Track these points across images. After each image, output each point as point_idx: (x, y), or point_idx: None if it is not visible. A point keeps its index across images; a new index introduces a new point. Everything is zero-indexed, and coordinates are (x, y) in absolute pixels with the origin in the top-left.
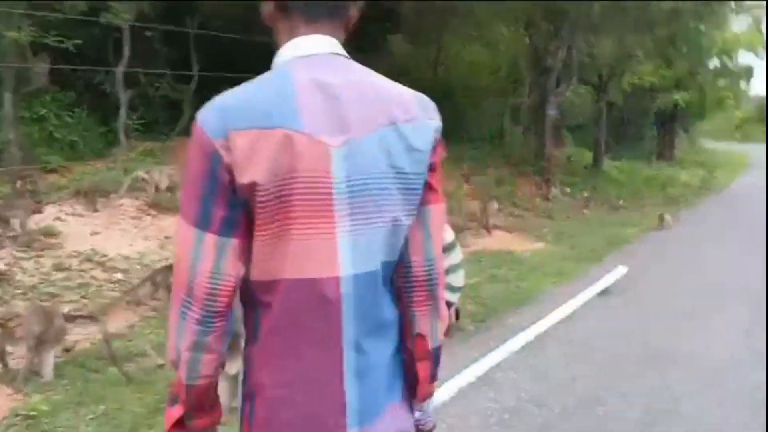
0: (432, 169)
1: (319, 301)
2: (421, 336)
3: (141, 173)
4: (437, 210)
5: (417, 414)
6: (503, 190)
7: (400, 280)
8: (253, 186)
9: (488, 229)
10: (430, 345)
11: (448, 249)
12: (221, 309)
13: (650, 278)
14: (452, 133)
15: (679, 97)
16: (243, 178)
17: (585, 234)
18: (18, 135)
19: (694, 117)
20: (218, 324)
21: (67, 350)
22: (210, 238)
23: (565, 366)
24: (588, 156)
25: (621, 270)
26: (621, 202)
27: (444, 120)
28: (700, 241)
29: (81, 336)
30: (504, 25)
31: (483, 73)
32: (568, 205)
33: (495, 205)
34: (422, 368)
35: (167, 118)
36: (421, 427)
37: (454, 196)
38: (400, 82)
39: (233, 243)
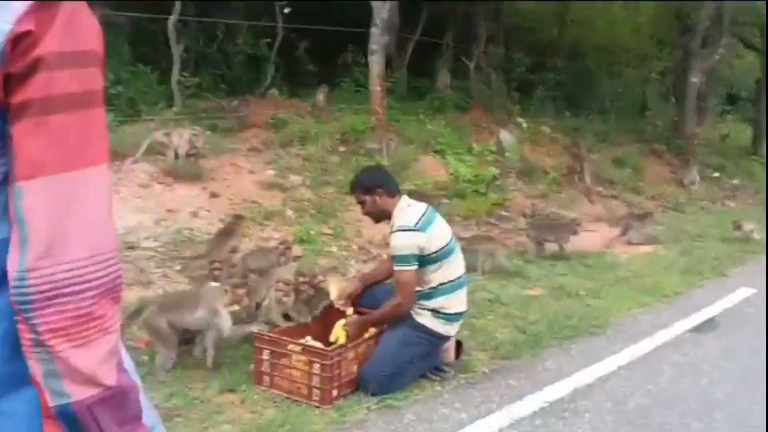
0: (14, 110)
1: None
2: (38, 384)
3: (159, 135)
4: (37, 188)
5: None
6: (623, 173)
7: None
8: None
9: (590, 197)
10: (51, 402)
11: (436, 261)
12: None
13: None
14: (578, 101)
15: None
16: None
17: (714, 235)
18: None
19: None
20: None
21: None
22: None
23: None
24: (748, 135)
25: (744, 292)
26: None
27: (571, 87)
28: None
29: None
30: None
31: (621, 32)
32: (708, 195)
33: (590, 166)
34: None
35: (252, 78)
36: None
37: (544, 179)
38: (519, 41)
39: None
